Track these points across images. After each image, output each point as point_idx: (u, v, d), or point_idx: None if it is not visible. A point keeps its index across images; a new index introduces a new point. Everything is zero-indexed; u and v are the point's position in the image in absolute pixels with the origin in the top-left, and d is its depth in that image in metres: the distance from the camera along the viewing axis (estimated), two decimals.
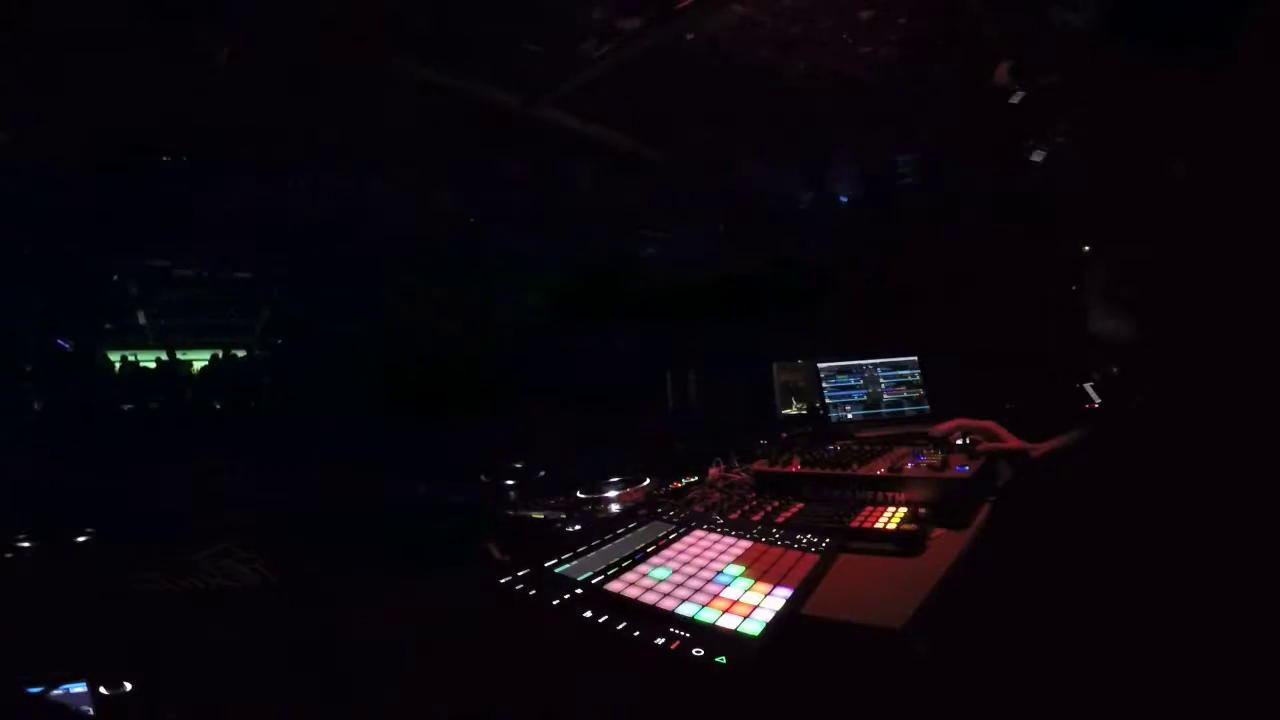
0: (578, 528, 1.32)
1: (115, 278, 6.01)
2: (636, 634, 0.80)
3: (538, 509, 1.49)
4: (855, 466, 1.51)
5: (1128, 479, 1.25)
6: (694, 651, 0.76)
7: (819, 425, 2.53)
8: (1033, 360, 2.65)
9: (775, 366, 3.01)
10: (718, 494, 1.54)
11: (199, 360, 6.91)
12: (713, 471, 1.82)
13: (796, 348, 2.99)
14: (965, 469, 1.39)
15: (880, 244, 3.87)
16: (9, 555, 1.12)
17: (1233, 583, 1.07)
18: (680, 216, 4.71)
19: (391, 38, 2.40)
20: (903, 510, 1.25)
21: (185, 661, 0.89)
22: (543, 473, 1.80)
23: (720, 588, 0.94)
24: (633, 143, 3.49)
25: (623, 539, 1.13)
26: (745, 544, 1.12)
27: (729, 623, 0.83)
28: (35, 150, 2.99)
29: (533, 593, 0.90)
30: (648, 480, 1.64)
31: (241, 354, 7.06)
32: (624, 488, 1.59)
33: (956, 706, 0.99)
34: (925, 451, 1.63)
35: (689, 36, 2.47)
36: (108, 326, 6.50)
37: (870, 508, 1.30)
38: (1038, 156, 2.75)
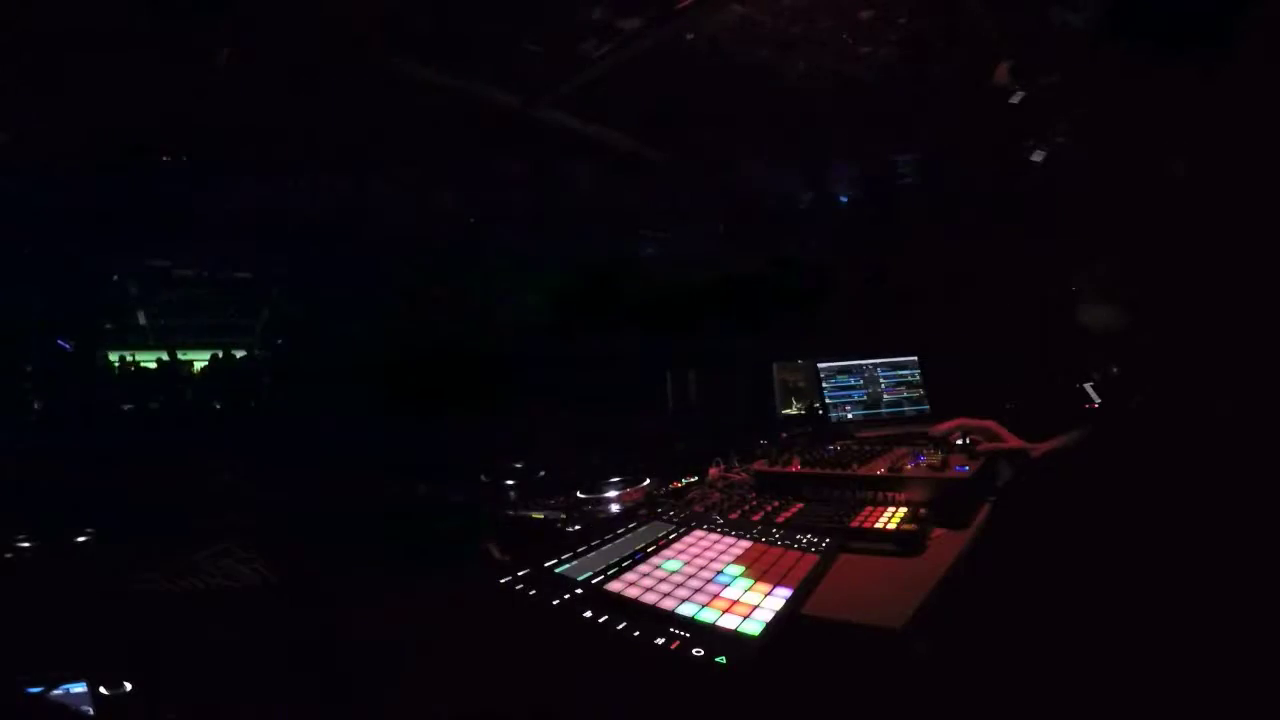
0: (578, 528, 1.32)
1: (115, 278, 6.01)
2: (636, 634, 0.80)
3: (538, 509, 1.49)
4: (855, 466, 1.51)
5: (1128, 479, 1.25)
6: (694, 651, 0.76)
7: (819, 425, 2.53)
8: (1033, 360, 2.65)
9: (775, 366, 3.01)
10: (718, 494, 1.54)
11: (199, 360, 6.92)
12: (713, 471, 1.82)
13: (796, 348, 2.99)
14: (965, 469, 1.39)
15: (880, 244, 3.87)
16: (9, 555, 1.12)
17: (1232, 582, 1.07)
18: (680, 216, 4.71)
19: (391, 38, 2.40)
20: (903, 510, 1.25)
21: (185, 661, 0.89)
22: (543, 473, 1.80)
23: (720, 588, 0.94)
24: (633, 143, 3.48)
25: (623, 539, 1.13)
26: (745, 544, 1.12)
27: (729, 623, 0.83)
28: (35, 150, 2.99)
29: (533, 593, 0.90)
30: (648, 480, 1.64)
31: (241, 354, 7.07)
32: (624, 488, 1.59)
33: (956, 706, 0.99)
34: (925, 451, 1.63)
35: (689, 36, 2.47)
36: (108, 326, 6.50)
37: (870, 508, 1.30)
38: (1038, 156, 2.75)
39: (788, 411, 2.96)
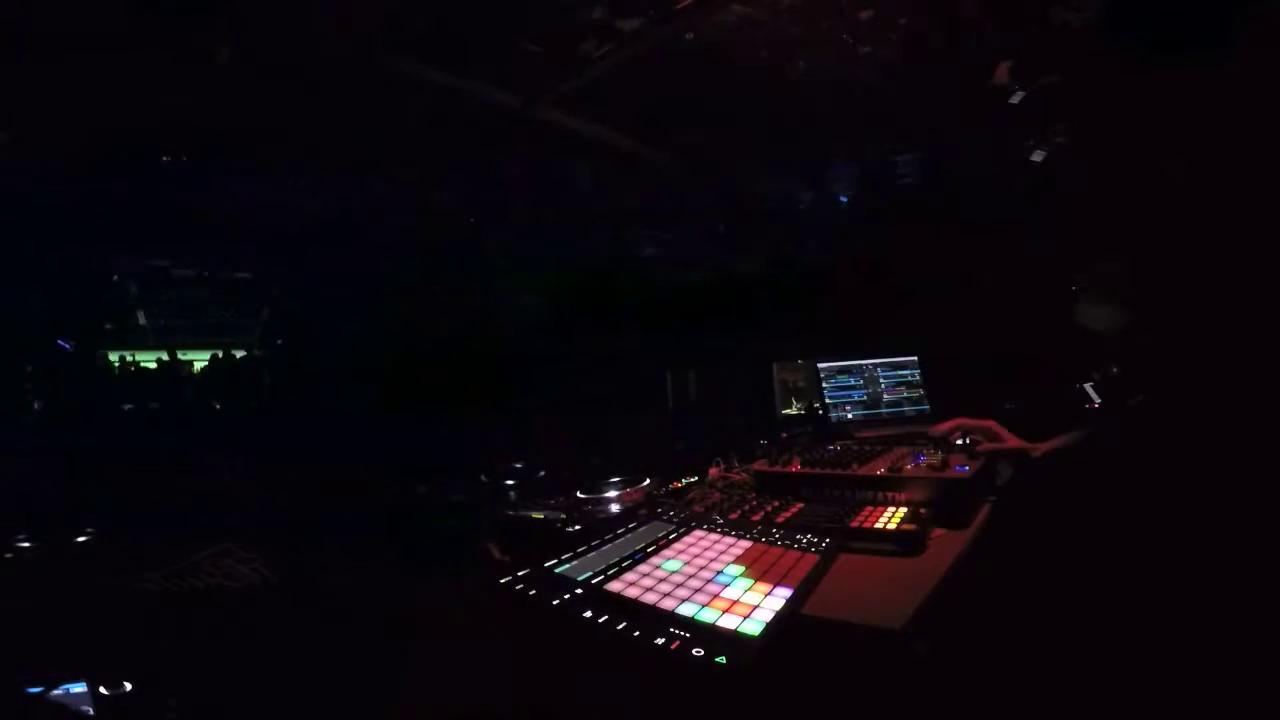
0: (578, 528, 1.32)
1: (115, 278, 6.01)
2: (636, 634, 0.80)
3: (538, 509, 1.49)
4: (855, 466, 1.51)
5: (1128, 479, 1.25)
6: (694, 651, 0.76)
7: (819, 425, 2.53)
8: (1033, 360, 2.65)
9: (775, 366, 3.01)
10: (718, 494, 1.54)
11: (199, 360, 6.92)
12: (713, 471, 1.82)
13: (796, 348, 2.99)
14: (965, 469, 1.39)
15: (880, 244, 3.87)
16: (9, 555, 1.12)
17: (1233, 581, 1.07)
18: (680, 216, 4.71)
19: (391, 37, 2.40)
20: (903, 510, 1.25)
21: (185, 661, 0.89)
22: (543, 473, 1.80)
23: (720, 588, 0.94)
24: (633, 143, 3.48)
25: (623, 539, 1.13)
26: (745, 544, 1.12)
27: (729, 623, 0.83)
28: (35, 150, 2.99)
29: (533, 593, 0.90)
30: (648, 480, 1.64)
31: (241, 354, 7.06)
32: (624, 488, 1.59)
33: (956, 706, 0.99)
34: (925, 451, 1.63)
35: (689, 36, 2.47)
36: (108, 326, 6.49)
37: (870, 508, 1.30)
38: (1038, 156, 2.74)
39: (788, 411, 2.96)
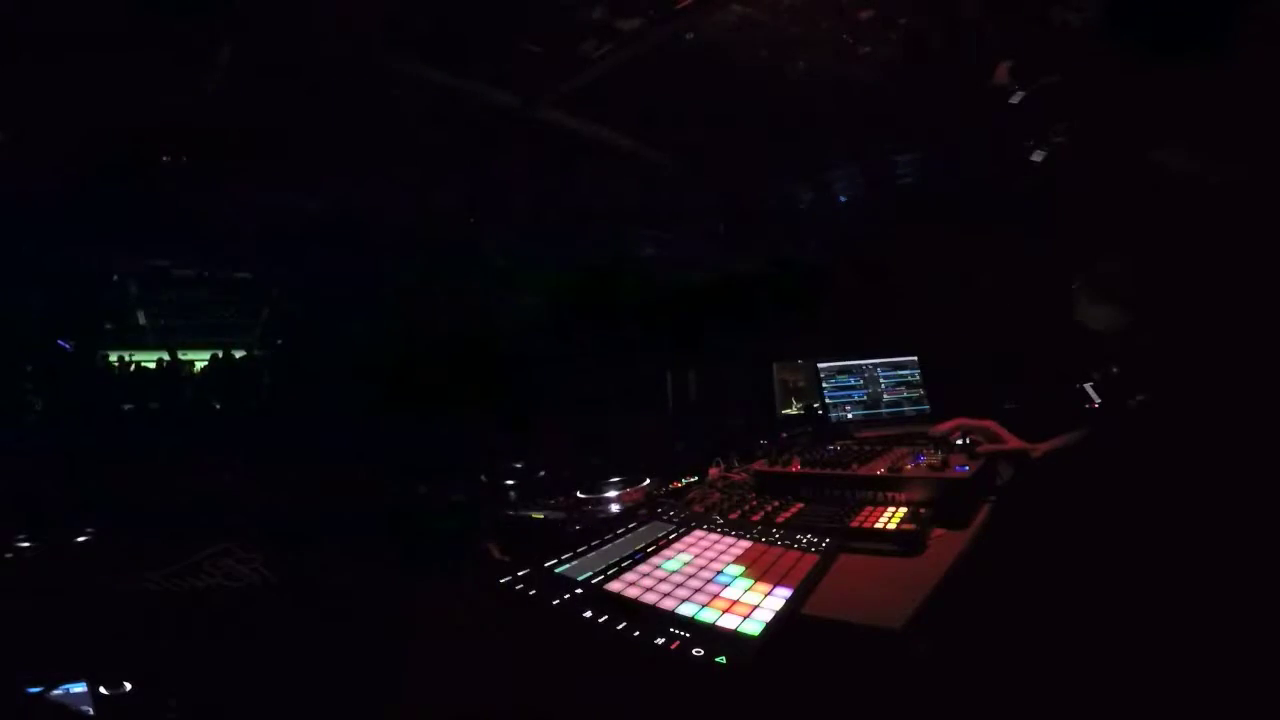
0: (578, 528, 1.32)
1: (115, 278, 6.01)
2: (636, 634, 0.80)
3: (538, 509, 1.49)
4: (855, 466, 1.51)
5: (1128, 479, 1.25)
6: (694, 651, 0.76)
7: (819, 425, 2.53)
8: (1033, 360, 2.65)
9: (775, 366, 3.01)
10: (718, 494, 1.54)
11: (199, 360, 6.92)
12: (713, 471, 1.82)
13: (796, 348, 2.99)
14: (965, 469, 1.39)
15: (880, 244, 3.87)
16: (9, 555, 1.12)
17: (1232, 581, 1.07)
18: (680, 216, 4.71)
19: (391, 37, 2.40)
20: (903, 510, 1.25)
21: (185, 661, 0.89)
22: (543, 473, 1.80)
23: (720, 588, 0.94)
24: (633, 143, 3.49)
25: (623, 539, 1.13)
26: (745, 544, 1.12)
27: (729, 623, 0.83)
28: (35, 150, 2.99)
29: (533, 593, 0.90)
30: (648, 480, 1.64)
31: (241, 354, 7.06)
32: (624, 488, 1.59)
33: (956, 706, 0.99)
34: (925, 451, 1.63)
35: (689, 36, 2.47)
36: (108, 326, 6.50)
37: (870, 508, 1.30)
38: (1038, 156, 2.75)
39: (788, 411, 2.96)
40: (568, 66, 2.64)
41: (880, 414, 2.53)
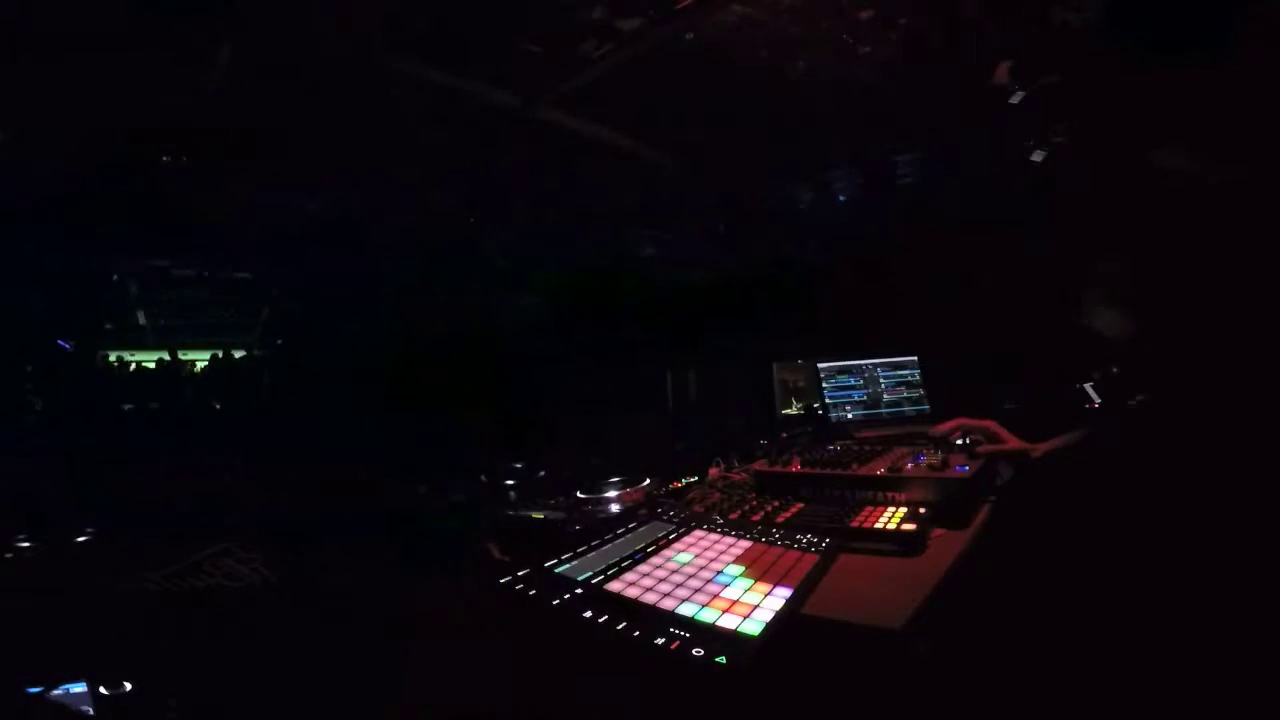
0: (578, 528, 1.32)
1: (115, 278, 6.01)
2: (636, 634, 0.80)
3: (538, 509, 1.49)
4: (855, 466, 1.51)
5: (1128, 479, 1.25)
6: (694, 651, 0.76)
7: (819, 425, 2.53)
8: (1033, 360, 2.65)
9: (775, 366, 3.01)
10: (718, 494, 1.54)
11: (199, 360, 6.92)
12: (713, 471, 1.82)
13: (796, 348, 2.99)
14: (965, 469, 1.39)
15: (880, 244, 3.87)
16: (9, 555, 1.12)
17: (1233, 582, 1.07)
18: (680, 216, 4.71)
19: (391, 37, 2.40)
20: (903, 510, 1.25)
21: (185, 661, 0.89)
22: (543, 473, 1.80)
23: (720, 588, 0.94)
24: (633, 143, 3.49)
25: (623, 539, 1.13)
26: (745, 544, 1.12)
27: (729, 623, 0.83)
28: (36, 150, 2.99)
29: (533, 593, 0.90)
30: (648, 480, 1.64)
31: (241, 354, 7.06)
32: (624, 488, 1.59)
33: (956, 706, 0.99)
34: (925, 451, 1.63)
35: (689, 36, 2.47)
36: (108, 326, 6.50)
37: (870, 508, 1.30)
38: (1038, 157, 2.75)
39: (788, 411, 2.96)
40: (568, 66, 2.64)
41: (880, 414, 2.53)
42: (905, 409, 2.55)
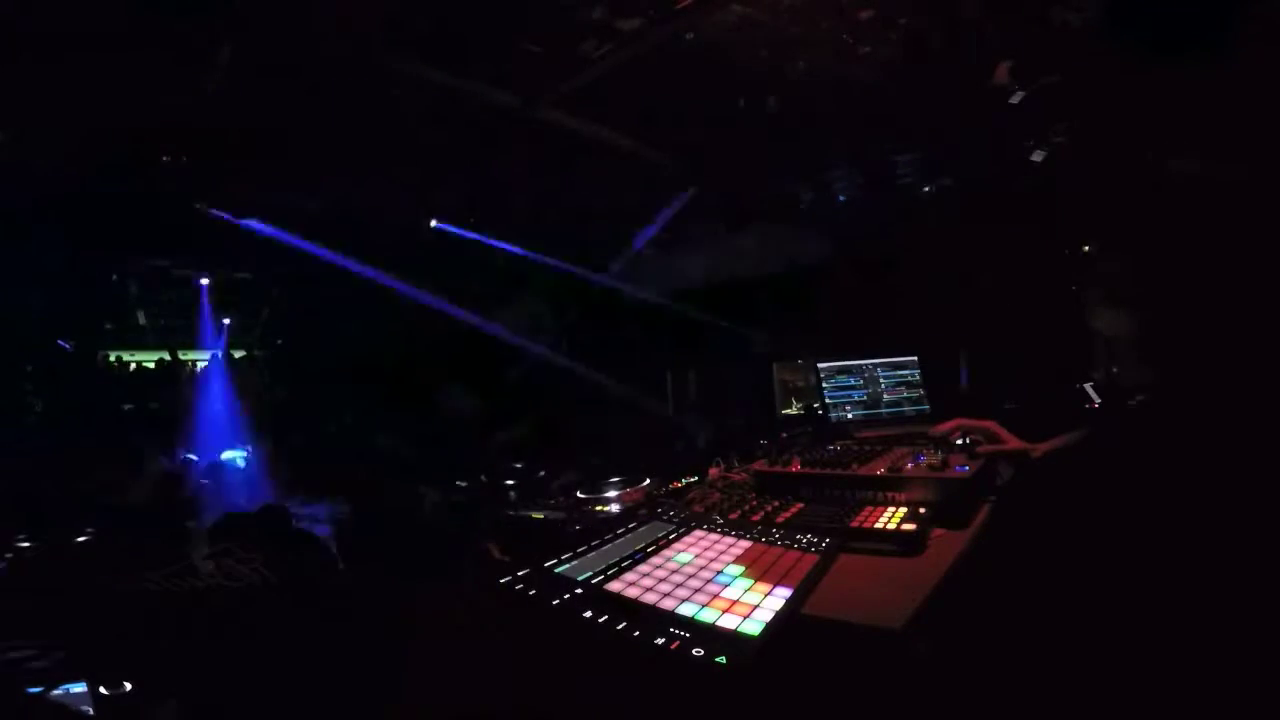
0: (578, 528, 1.32)
1: (115, 278, 6.00)
2: (636, 634, 0.80)
3: (538, 509, 1.49)
4: (855, 466, 1.50)
5: (1128, 479, 1.25)
6: (694, 651, 0.76)
7: (819, 425, 2.53)
8: (1033, 360, 2.65)
9: (775, 366, 3.01)
10: (718, 494, 1.54)
11: (200, 360, 6.92)
12: (713, 471, 1.82)
13: (796, 348, 2.99)
14: (965, 469, 1.39)
15: (880, 244, 3.87)
16: (9, 555, 1.12)
17: (1234, 582, 1.07)
18: (680, 216, 4.72)
19: (391, 37, 2.40)
20: (903, 510, 1.25)
21: (185, 661, 0.89)
22: (543, 473, 1.80)
23: (720, 588, 0.93)
24: (633, 143, 3.49)
25: (623, 539, 1.13)
26: (745, 544, 1.12)
27: (729, 623, 0.83)
28: (36, 150, 2.99)
29: (533, 593, 0.90)
30: (648, 480, 1.64)
31: (241, 354, 7.06)
32: (624, 488, 1.59)
33: (956, 707, 0.99)
34: (925, 451, 1.63)
35: (689, 36, 2.47)
36: (108, 326, 6.50)
37: (870, 508, 1.30)
38: (1038, 156, 2.75)
39: (788, 411, 2.96)
40: (568, 66, 2.64)
41: (880, 414, 2.53)
42: (905, 409, 2.54)
